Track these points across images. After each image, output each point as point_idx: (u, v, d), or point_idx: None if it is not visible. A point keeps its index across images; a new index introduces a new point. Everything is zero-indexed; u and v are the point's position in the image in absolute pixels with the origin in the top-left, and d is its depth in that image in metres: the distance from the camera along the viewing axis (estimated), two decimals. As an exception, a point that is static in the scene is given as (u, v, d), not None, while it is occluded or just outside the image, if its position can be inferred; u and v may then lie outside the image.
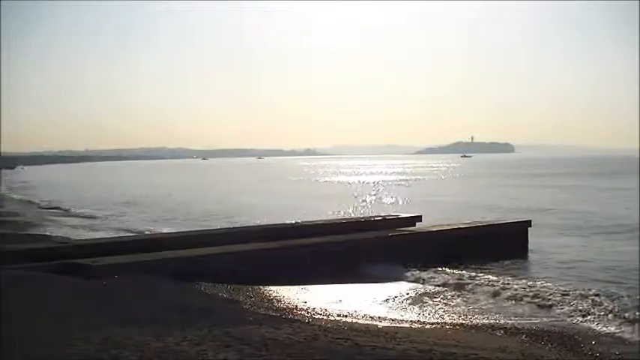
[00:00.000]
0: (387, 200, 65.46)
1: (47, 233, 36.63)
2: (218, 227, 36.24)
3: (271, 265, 23.67)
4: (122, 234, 37.23)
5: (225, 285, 20.60)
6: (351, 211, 52.15)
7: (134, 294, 17.76)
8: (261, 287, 21.06)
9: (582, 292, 20.85)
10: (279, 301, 19.36)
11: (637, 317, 17.85)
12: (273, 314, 16.80)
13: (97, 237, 34.42)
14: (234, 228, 32.99)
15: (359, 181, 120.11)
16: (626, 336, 16.29)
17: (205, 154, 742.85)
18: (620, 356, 14.47)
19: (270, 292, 20.50)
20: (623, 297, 20.31)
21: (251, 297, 19.47)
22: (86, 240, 30.51)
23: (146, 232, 37.62)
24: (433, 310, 19.20)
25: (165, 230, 37.13)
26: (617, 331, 16.73)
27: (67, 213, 55.88)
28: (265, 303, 18.76)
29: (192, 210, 57.84)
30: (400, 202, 59.81)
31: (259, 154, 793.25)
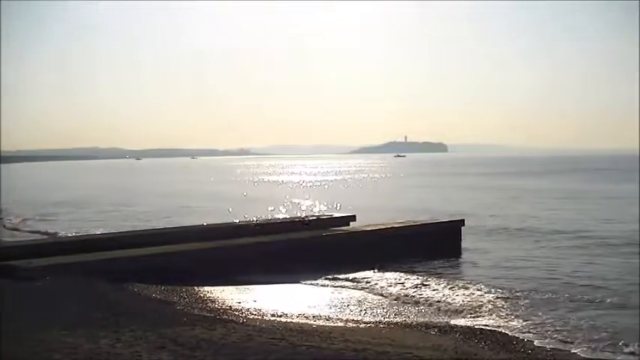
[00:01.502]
0: (320, 200, 65.40)
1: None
2: (152, 228, 35.94)
3: (206, 265, 23.59)
4: (55, 235, 36.78)
5: (159, 286, 20.50)
6: (284, 211, 52.07)
7: (67, 295, 17.55)
8: (195, 288, 21.00)
9: (511, 292, 21.23)
10: (213, 301, 19.31)
11: (567, 317, 18.20)
12: (207, 315, 16.75)
13: (29, 239, 33.92)
14: (167, 228, 32.79)
15: (292, 181, 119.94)
16: (553, 335, 16.52)
17: (139, 154, 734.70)
18: (550, 353, 14.71)
19: (204, 293, 20.45)
20: (548, 295, 20.73)
21: (185, 298, 19.39)
22: (17, 242, 30.12)
23: (78, 233, 37.11)
24: (366, 310, 19.29)
25: (98, 231, 36.69)
26: (545, 329, 16.96)
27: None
28: (199, 304, 18.69)
29: (126, 210, 57.27)
30: (333, 202, 59.78)
31: (193, 153, 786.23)
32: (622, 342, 15.59)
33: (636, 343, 15.45)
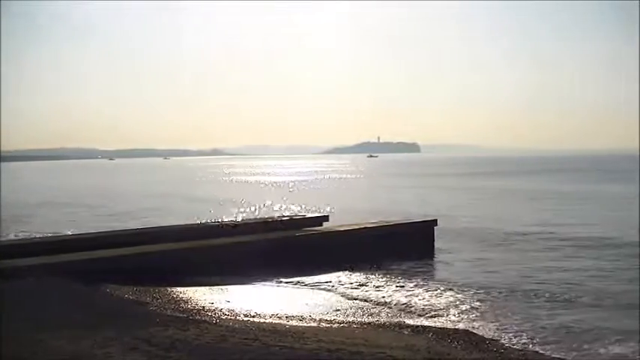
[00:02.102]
0: (293, 200, 65.42)
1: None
2: (128, 228, 35.73)
3: (179, 266, 23.56)
4: (30, 236, 36.50)
5: (132, 286, 20.45)
6: (257, 211, 52.06)
7: (42, 296, 17.48)
8: (168, 288, 20.97)
9: (484, 292, 21.35)
10: (186, 302, 19.28)
11: (540, 317, 18.34)
12: (180, 315, 16.72)
13: (4, 239, 33.66)
14: (144, 229, 32.60)
15: (265, 181, 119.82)
16: (525, 335, 16.62)
17: (112, 155, 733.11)
18: (522, 353, 14.81)
19: (177, 294, 20.41)
20: (522, 295, 20.85)
21: (158, 298, 19.35)
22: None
23: (54, 234, 36.83)
24: (339, 310, 19.30)
25: (72, 231, 36.48)
26: (518, 329, 17.06)
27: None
28: (172, 304, 18.66)
29: (101, 211, 57.00)
30: (306, 202, 59.82)
31: (166, 154, 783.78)
32: (594, 342, 15.75)
33: (604, 342, 15.65)
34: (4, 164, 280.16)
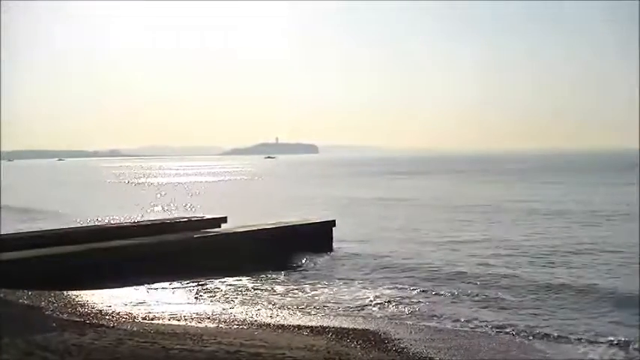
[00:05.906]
0: (191, 201, 65.01)
1: None
2: (14, 232, 34.91)
3: (74, 269, 23.14)
4: None
5: (26, 291, 20.04)
6: (153, 213, 51.62)
7: None
8: (63, 292, 20.61)
9: (383, 293, 21.52)
10: (82, 305, 18.98)
11: (441, 315, 18.61)
12: (77, 319, 16.47)
13: None
14: (33, 232, 31.95)
15: (162, 183, 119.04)
16: (426, 335, 16.83)
17: (5, 156, 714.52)
18: (423, 352, 14.98)
19: (73, 297, 20.09)
20: (423, 295, 21.08)
21: (53, 302, 19.01)
22: None
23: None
24: (238, 312, 19.25)
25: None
26: (417, 329, 17.27)
27: None
28: (68, 308, 18.36)
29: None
30: (204, 204, 59.51)
31: (61, 155, 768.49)
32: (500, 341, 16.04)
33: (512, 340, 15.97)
34: None
